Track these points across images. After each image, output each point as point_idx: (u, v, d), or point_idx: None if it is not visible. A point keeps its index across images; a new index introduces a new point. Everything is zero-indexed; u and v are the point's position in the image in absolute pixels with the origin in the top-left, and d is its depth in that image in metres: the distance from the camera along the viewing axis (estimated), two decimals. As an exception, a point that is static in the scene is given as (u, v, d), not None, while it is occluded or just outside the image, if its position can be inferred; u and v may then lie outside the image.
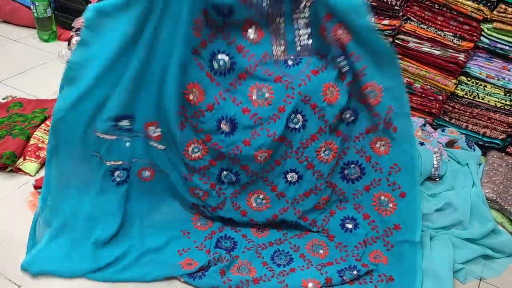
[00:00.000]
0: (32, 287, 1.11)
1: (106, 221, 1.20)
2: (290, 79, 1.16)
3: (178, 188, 1.25)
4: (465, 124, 1.66)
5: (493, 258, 1.30)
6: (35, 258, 1.14)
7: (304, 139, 1.20)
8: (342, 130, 1.22)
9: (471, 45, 1.52)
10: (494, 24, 1.46)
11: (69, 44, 1.79)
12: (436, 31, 1.55)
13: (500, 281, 1.25)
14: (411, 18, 1.58)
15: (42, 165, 1.49)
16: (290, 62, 1.17)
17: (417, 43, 1.59)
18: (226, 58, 1.15)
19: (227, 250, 1.23)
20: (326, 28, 1.09)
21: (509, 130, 1.60)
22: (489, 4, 1.45)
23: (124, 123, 1.15)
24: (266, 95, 1.17)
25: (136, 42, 1.05)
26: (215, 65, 1.15)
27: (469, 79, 1.57)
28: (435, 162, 1.48)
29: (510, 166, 1.57)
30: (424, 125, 1.66)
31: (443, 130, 1.66)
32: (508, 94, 1.54)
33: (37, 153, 1.49)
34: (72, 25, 1.78)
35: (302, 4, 1.10)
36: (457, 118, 1.67)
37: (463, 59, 1.54)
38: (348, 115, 1.21)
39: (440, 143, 1.58)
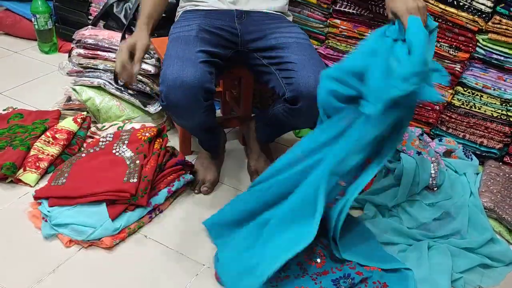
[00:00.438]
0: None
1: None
2: None
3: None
4: (462, 133, 1.67)
5: (491, 267, 1.29)
6: None
7: None
8: None
9: (467, 55, 1.54)
10: (489, 35, 1.48)
11: (69, 56, 1.81)
12: (432, 42, 1.57)
13: (498, 290, 1.25)
14: (408, 29, 1.59)
15: (41, 176, 1.50)
16: None
17: (414, 54, 1.61)
18: None
19: None
20: None
21: (506, 139, 1.61)
22: (484, 15, 1.47)
23: None
24: None
25: None
26: None
27: (465, 89, 1.59)
28: (432, 172, 1.49)
29: (507, 175, 1.58)
30: (422, 134, 1.67)
31: (440, 140, 1.67)
32: (504, 104, 1.55)
33: (37, 164, 1.50)
34: (73, 37, 1.80)
35: None
36: (454, 128, 1.68)
37: (459, 69, 1.56)
38: None
39: (438, 153, 1.59)
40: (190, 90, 1.21)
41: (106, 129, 1.69)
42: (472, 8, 1.47)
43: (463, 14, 1.48)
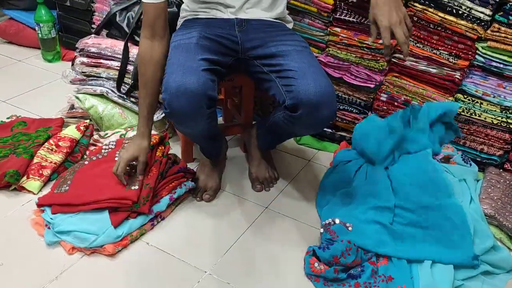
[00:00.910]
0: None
1: None
2: None
3: None
4: (463, 140, 1.68)
5: (493, 274, 1.29)
6: None
7: None
8: None
9: (467, 63, 1.55)
10: (489, 43, 1.49)
11: (72, 65, 1.83)
12: (431, 50, 1.58)
13: (499, 297, 1.25)
14: (407, 37, 1.61)
15: (45, 183, 1.51)
16: None
17: (414, 61, 1.62)
18: None
19: None
20: None
21: (506, 146, 1.62)
22: (483, 23, 1.49)
23: None
24: None
25: None
26: None
27: (465, 96, 1.60)
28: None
29: (508, 182, 1.58)
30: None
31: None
32: (504, 111, 1.56)
33: (40, 172, 1.51)
34: (76, 45, 1.82)
35: None
36: (454, 134, 1.69)
37: (459, 77, 1.57)
38: None
39: (436, 159, 1.59)
40: (194, 98, 1.22)
41: (109, 136, 1.70)
42: (471, 16, 1.48)
43: (462, 22, 1.49)
